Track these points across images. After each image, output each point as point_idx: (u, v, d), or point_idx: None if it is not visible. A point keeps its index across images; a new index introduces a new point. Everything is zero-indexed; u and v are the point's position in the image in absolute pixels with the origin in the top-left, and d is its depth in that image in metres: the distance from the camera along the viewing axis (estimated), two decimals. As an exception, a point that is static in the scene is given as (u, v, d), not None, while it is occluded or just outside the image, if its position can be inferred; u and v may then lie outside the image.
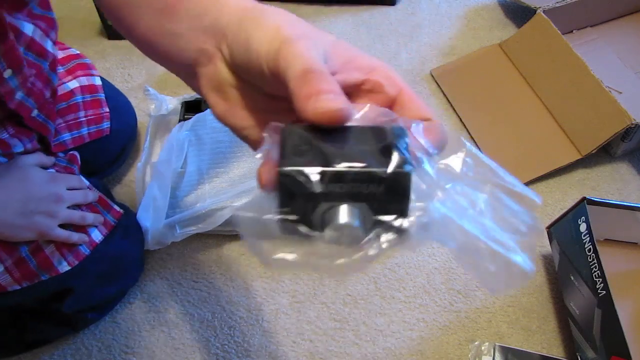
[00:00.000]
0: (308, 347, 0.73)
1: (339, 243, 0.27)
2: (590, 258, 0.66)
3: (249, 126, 0.33)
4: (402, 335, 0.74)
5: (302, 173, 0.26)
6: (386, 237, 0.28)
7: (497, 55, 1.04)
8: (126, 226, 0.72)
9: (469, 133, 0.95)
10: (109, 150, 0.83)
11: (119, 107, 0.83)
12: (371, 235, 0.28)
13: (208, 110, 0.89)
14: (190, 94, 0.93)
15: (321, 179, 0.26)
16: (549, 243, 0.78)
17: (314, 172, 0.26)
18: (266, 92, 0.31)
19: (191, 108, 0.91)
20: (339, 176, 0.26)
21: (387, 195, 0.27)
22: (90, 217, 0.66)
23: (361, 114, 0.29)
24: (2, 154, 0.62)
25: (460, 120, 0.97)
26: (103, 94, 0.79)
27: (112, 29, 1.09)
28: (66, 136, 0.74)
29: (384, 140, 0.27)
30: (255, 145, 0.33)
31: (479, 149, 0.93)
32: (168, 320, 0.75)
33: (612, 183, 0.89)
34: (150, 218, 0.76)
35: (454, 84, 1.02)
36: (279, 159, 0.27)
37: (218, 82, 0.32)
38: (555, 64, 0.95)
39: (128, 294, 0.77)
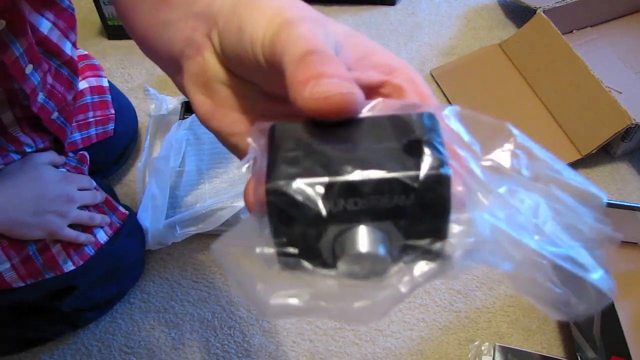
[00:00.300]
0: (308, 347, 0.73)
1: (357, 278, 0.20)
2: (590, 258, 0.66)
3: (239, 132, 0.26)
4: (402, 335, 0.74)
5: (298, 189, 0.19)
6: (421, 267, 0.20)
7: (497, 55, 1.04)
8: (129, 227, 0.72)
9: (469, 133, 0.95)
10: (111, 151, 0.83)
11: (121, 108, 0.84)
12: (400, 264, 0.21)
13: None
14: (190, 94, 0.93)
15: (327, 195, 0.19)
16: (549, 243, 0.78)
17: (315, 186, 0.19)
18: (264, 90, 0.26)
19: (191, 108, 0.91)
20: (352, 188, 0.19)
21: (419, 209, 0.20)
22: (98, 217, 0.67)
23: (370, 105, 0.22)
24: (14, 151, 0.62)
25: (460, 120, 0.97)
26: (110, 96, 0.80)
27: (112, 29, 1.09)
28: (76, 136, 0.75)
29: (408, 134, 0.20)
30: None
31: (479, 149, 0.93)
32: (168, 320, 0.75)
33: (612, 183, 0.89)
34: (150, 217, 0.76)
35: (454, 84, 1.02)
36: (266, 171, 0.20)
37: (205, 77, 0.26)
38: (555, 64, 0.95)
39: (128, 293, 0.77)
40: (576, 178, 0.23)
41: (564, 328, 0.73)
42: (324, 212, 0.19)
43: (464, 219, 0.20)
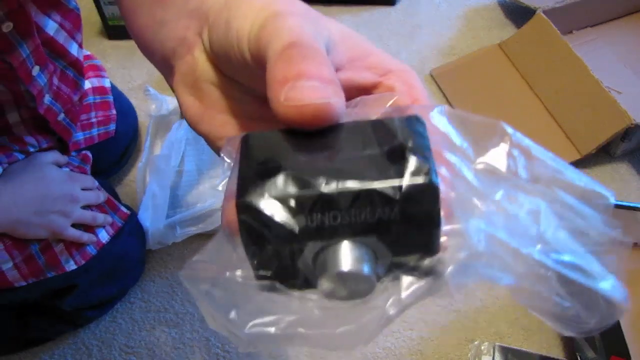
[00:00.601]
0: (308, 347, 0.73)
1: (340, 299, 0.18)
2: (590, 258, 0.66)
3: (228, 135, 0.25)
4: (402, 335, 0.74)
5: (270, 204, 0.17)
6: (409, 287, 0.18)
7: (497, 56, 1.04)
8: (130, 226, 0.72)
9: (469, 133, 0.95)
10: (112, 151, 0.84)
11: (122, 108, 0.84)
12: (387, 284, 0.19)
13: None
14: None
15: (301, 209, 0.17)
16: (548, 243, 0.78)
17: (288, 200, 0.17)
18: (255, 92, 0.24)
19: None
20: (329, 201, 0.17)
21: (404, 223, 0.18)
22: (100, 217, 0.67)
23: (352, 105, 0.21)
24: (18, 151, 0.62)
25: (460, 120, 0.97)
26: (111, 96, 0.81)
27: (112, 29, 1.09)
28: (79, 136, 0.75)
29: (392, 140, 0.18)
30: None
31: (479, 149, 0.93)
32: (168, 320, 0.75)
33: (612, 183, 0.89)
34: (151, 217, 0.76)
35: (454, 84, 1.02)
36: (237, 187, 0.18)
37: (193, 77, 0.25)
38: (555, 64, 0.95)
39: (128, 293, 0.77)
40: (580, 177, 0.20)
41: (564, 328, 0.74)
42: (296, 228, 0.17)
43: (455, 231, 0.18)
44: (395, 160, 0.18)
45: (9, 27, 0.50)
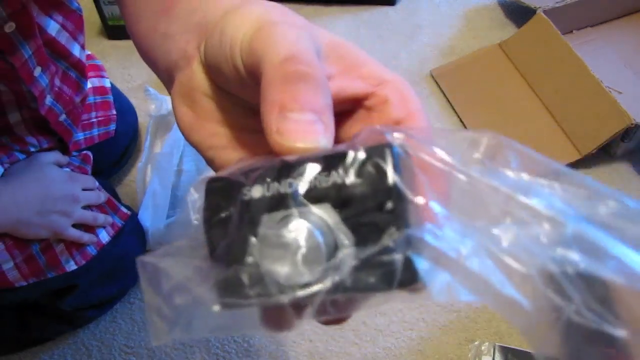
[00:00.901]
0: (308, 347, 0.73)
1: (293, 285, 0.18)
2: (590, 258, 0.66)
3: (217, 146, 0.25)
4: (402, 335, 0.74)
5: (231, 177, 0.19)
6: (354, 271, 0.17)
7: (497, 56, 1.04)
8: (130, 227, 0.72)
9: (469, 133, 0.95)
10: (112, 151, 0.84)
11: (122, 108, 0.84)
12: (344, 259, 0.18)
13: None
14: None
15: (260, 180, 0.19)
16: (549, 243, 0.78)
17: (247, 173, 0.19)
18: (247, 103, 0.25)
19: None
20: (286, 169, 0.19)
21: (359, 186, 0.18)
22: (101, 217, 0.68)
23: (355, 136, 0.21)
24: (19, 150, 0.62)
25: (460, 120, 0.97)
26: (112, 96, 0.81)
27: (112, 29, 1.09)
28: (79, 136, 0.75)
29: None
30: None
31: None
32: (168, 320, 0.75)
33: (612, 183, 0.89)
34: (151, 216, 0.76)
35: (454, 84, 1.02)
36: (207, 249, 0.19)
37: (189, 88, 0.26)
38: (555, 64, 0.95)
39: (128, 293, 0.77)
40: (584, 177, 0.19)
41: (564, 328, 0.74)
42: (254, 196, 0.18)
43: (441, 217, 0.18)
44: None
45: (11, 28, 0.50)
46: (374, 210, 0.17)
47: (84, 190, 0.67)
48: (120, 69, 1.05)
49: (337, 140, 0.20)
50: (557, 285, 0.16)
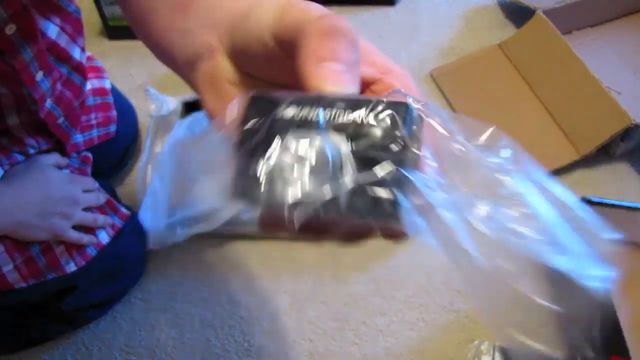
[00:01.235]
0: (308, 347, 0.73)
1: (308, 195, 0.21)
2: (589, 258, 0.66)
3: None
4: (402, 335, 0.74)
5: (275, 97, 0.23)
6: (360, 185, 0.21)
7: (497, 56, 1.04)
8: (130, 227, 0.72)
9: (469, 133, 0.95)
10: (112, 152, 0.84)
11: (122, 109, 0.84)
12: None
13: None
14: (191, 95, 0.93)
15: (295, 102, 0.22)
16: (548, 243, 0.78)
17: (287, 98, 0.23)
18: (270, 84, 0.28)
19: (191, 108, 0.91)
20: (317, 100, 0.22)
21: (374, 126, 0.21)
22: (101, 219, 0.68)
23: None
24: (18, 152, 0.62)
25: (460, 120, 0.97)
26: (112, 97, 0.81)
27: (112, 30, 1.09)
28: (79, 138, 0.75)
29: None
30: None
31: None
32: (168, 320, 0.75)
33: (611, 183, 0.89)
34: (151, 216, 0.76)
35: (453, 84, 1.02)
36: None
37: (214, 76, 0.29)
38: (554, 65, 0.95)
39: (129, 293, 0.77)
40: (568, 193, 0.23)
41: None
42: (288, 114, 0.22)
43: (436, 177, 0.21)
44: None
45: (12, 30, 0.50)
46: (379, 150, 0.21)
47: (84, 191, 0.67)
48: (120, 70, 1.05)
49: None
50: (508, 253, 0.20)
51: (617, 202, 0.73)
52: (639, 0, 1.10)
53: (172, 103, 0.92)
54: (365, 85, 0.25)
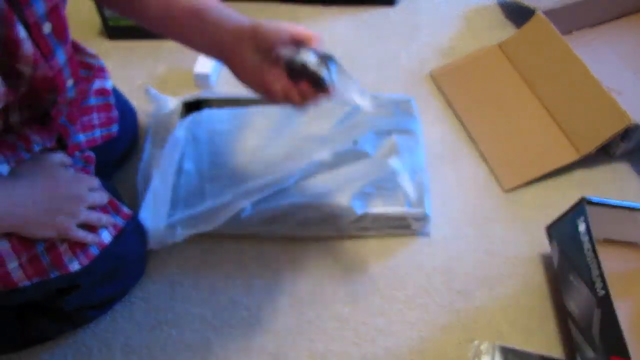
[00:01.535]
0: (308, 347, 0.73)
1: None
2: (589, 258, 0.66)
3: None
4: (402, 335, 0.74)
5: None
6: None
7: (497, 56, 1.04)
8: (132, 227, 0.73)
9: (469, 133, 0.95)
10: (112, 152, 0.84)
11: (123, 109, 0.85)
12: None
13: (205, 110, 0.89)
14: (190, 94, 0.94)
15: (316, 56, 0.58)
16: (548, 243, 0.78)
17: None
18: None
19: (191, 108, 0.91)
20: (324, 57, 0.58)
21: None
22: (104, 218, 0.68)
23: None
24: (24, 149, 0.63)
25: (460, 120, 0.97)
26: (113, 98, 0.81)
27: (112, 30, 1.09)
28: (81, 137, 0.76)
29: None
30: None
31: (478, 148, 0.93)
32: (168, 320, 0.75)
33: (611, 183, 0.89)
34: (151, 216, 0.76)
35: (453, 84, 1.02)
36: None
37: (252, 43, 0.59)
38: (554, 65, 0.95)
39: (129, 293, 0.77)
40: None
41: (564, 328, 0.74)
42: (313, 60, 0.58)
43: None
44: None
45: (49, 28, 0.50)
46: (324, 62, 0.58)
47: (89, 190, 0.68)
48: (120, 70, 1.05)
49: None
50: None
51: (617, 202, 0.73)
52: (639, 1, 1.10)
53: (172, 103, 0.92)
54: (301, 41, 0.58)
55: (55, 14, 0.53)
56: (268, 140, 0.87)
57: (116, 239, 0.69)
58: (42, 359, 0.72)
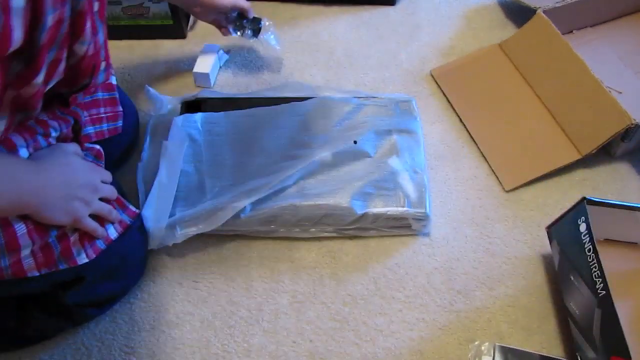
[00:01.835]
0: (308, 347, 0.73)
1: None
2: (590, 258, 0.66)
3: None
4: (402, 335, 0.74)
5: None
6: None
7: (497, 55, 1.04)
8: (137, 225, 0.73)
9: (469, 133, 0.95)
10: (113, 150, 0.84)
11: (124, 107, 0.85)
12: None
13: (203, 114, 0.90)
14: (190, 94, 0.93)
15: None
16: (549, 243, 0.78)
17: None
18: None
19: (191, 108, 0.91)
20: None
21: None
22: (114, 212, 0.68)
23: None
24: (42, 134, 0.64)
25: (460, 120, 0.97)
26: (117, 93, 0.82)
27: (111, 29, 1.09)
28: (90, 129, 0.77)
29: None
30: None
31: (479, 148, 0.93)
32: (168, 320, 0.75)
33: (612, 183, 0.89)
34: (153, 216, 0.76)
35: (453, 84, 1.02)
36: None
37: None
38: (555, 64, 0.95)
39: (128, 293, 0.77)
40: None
41: (564, 328, 0.74)
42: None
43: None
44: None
45: (97, 6, 0.54)
46: (257, 22, 1.00)
47: (102, 182, 0.69)
48: (120, 69, 1.05)
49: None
50: None
51: (617, 202, 0.73)
52: (639, 0, 1.10)
53: (172, 103, 0.92)
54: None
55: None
56: (267, 140, 0.87)
57: (121, 236, 0.69)
58: (42, 359, 0.72)
